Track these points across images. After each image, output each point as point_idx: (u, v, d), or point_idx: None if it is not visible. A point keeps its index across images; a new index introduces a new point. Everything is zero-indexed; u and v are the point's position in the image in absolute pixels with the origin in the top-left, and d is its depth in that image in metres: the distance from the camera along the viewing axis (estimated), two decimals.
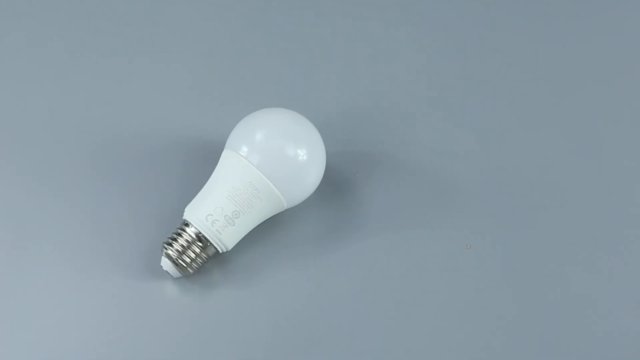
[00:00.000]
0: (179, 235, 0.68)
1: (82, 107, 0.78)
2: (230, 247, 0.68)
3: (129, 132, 0.77)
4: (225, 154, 0.69)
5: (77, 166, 0.74)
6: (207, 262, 0.69)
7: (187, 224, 0.68)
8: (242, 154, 0.67)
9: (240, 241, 0.69)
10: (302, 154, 0.68)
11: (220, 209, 0.67)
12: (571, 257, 0.71)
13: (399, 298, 0.69)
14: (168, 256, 0.68)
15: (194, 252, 0.67)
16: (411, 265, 0.71)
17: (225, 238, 0.67)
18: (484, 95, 0.81)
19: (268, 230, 0.71)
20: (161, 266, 0.68)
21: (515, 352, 0.67)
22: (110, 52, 0.82)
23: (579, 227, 0.73)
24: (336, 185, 0.74)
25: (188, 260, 0.67)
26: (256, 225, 0.69)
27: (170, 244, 0.68)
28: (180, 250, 0.67)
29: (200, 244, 0.67)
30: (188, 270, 0.68)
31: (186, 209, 0.68)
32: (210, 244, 0.67)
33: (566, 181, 0.76)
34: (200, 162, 0.74)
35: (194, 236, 0.67)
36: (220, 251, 0.68)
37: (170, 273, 0.68)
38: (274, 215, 0.70)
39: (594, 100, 0.81)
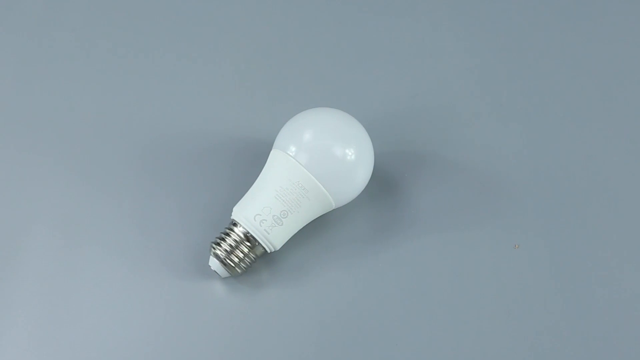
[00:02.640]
0: (227, 235, 0.68)
1: (131, 107, 0.79)
2: (278, 246, 0.68)
3: (177, 131, 0.77)
4: (273, 154, 0.69)
5: (126, 166, 0.75)
6: (255, 262, 0.69)
7: (235, 224, 0.68)
8: (290, 153, 0.67)
9: (288, 241, 0.69)
10: (350, 153, 0.68)
11: (268, 209, 0.67)
12: (620, 256, 0.71)
13: (447, 297, 0.69)
14: (216, 256, 0.68)
15: (242, 251, 0.68)
16: (459, 264, 0.70)
17: (273, 238, 0.67)
18: (533, 94, 0.81)
19: (316, 230, 0.71)
20: (209, 266, 0.68)
21: (564, 352, 0.67)
22: (159, 52, 0.82)
23: (627, 226, 0.72)
24: (384, 185, 0.74)
25: (236, 260, 0.68)
26: (304, 225, 0.69)
27: (219, 244, 0.68)
28: (228, 250, 0.67)
29: (248, 244, 0.68)
30: (236, 270, 0.68)
31: (234, 209, 0.68)
32: (259, 243, 0.67)
33: (615, 181, 0.75)
34: (248, 161, 0.74)
35: (242, 236, 0.67)
36: (269, 251, 0.68)
37: (218, 273, 0.68)
38: (322, 215, 0.70)
39: None
